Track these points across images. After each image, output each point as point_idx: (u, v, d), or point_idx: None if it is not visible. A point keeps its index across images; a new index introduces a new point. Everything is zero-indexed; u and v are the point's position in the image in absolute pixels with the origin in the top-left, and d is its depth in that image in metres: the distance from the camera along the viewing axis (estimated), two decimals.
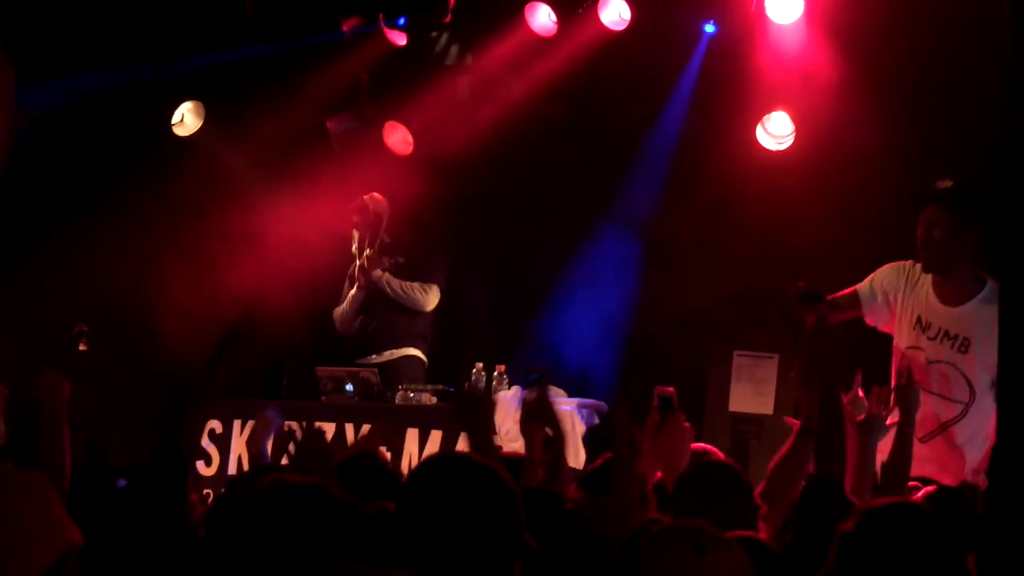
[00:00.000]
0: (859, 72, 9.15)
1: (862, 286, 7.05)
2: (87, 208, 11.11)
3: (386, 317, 9.82)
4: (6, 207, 11.15)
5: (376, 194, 9.99)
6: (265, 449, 6.34)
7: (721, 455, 5.80)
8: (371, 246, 9.89)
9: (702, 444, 5.93)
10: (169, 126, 11.05)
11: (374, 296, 9.83)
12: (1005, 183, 3.69)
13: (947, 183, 6.49)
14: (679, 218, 9.92)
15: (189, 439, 4.38)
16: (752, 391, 9.26)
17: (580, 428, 8.31)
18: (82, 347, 9.55)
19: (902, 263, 6.88)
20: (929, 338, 6.66)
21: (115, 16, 10.78)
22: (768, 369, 9.20)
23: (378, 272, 9.81)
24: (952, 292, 6.67)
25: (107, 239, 10.86)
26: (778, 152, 9.42)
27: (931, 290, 6.74)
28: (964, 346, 6.54)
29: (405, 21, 10.60)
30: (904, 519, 3.77)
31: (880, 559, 3.62)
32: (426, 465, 3.73)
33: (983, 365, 6.45)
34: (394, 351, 9.79)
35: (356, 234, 9.96)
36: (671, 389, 5.78)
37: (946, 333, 6.62)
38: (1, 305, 9.95)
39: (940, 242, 6.58)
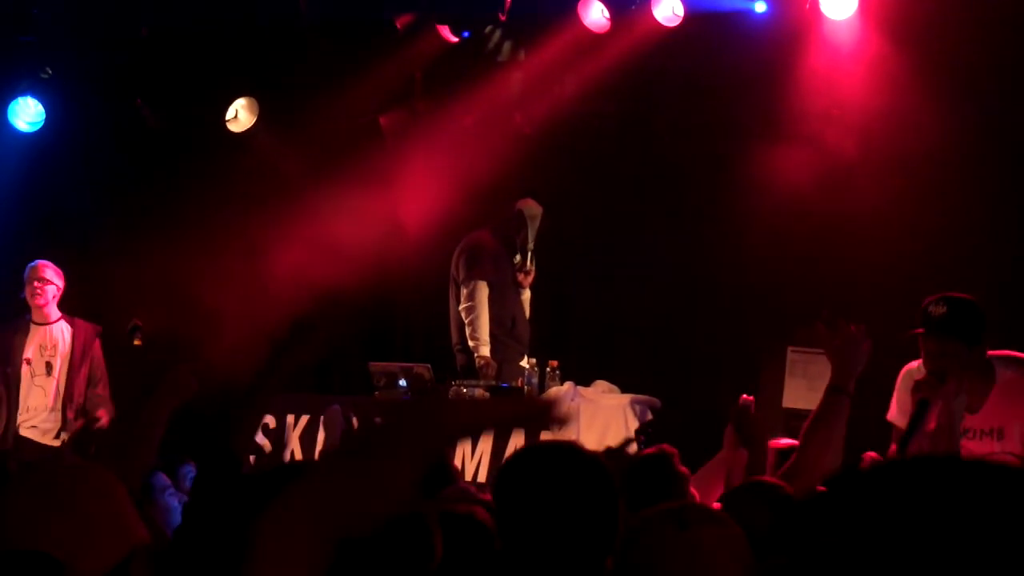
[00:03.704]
0: (915, 68, 9.11)
1: (893, 416, 6.94)
2: (142, 204, 11.20)
3: None
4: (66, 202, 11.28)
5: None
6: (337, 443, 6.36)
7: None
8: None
9: (788, 440, 5.93)
10: (223, 122, 11.09)
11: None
12: None
13: (941, 309, 6.42)
14: (731, 213, 9.90)
15: (245, 440, 4.34)
16: (806, 387, 9.23)
17: (633, 424, 8.31)
18: (136, 342, 9.64)
19: (911, 368, 6.75)
20: (968, 439, 6.61)
21: (169, 13, 10.83)
22: (822, 365, 9.13)
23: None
24: (973, 399, 6.60)
25: (162, 235, 10.94)
26: (840, 147, 9.40)
27: None
28: (1000, 434, 6.52)
29: (469, 35, 10.62)
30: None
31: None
32: (525, 454, 3.67)
33: (1022, 442, 6.41)
34: None
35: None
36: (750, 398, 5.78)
37: (980, 431, 6.58)
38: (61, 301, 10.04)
39: (958, 372, 6.50)
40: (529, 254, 9.86)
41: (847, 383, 4.97)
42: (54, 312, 9.83)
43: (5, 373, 9.67)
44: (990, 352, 6.39)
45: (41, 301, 9.75)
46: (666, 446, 5.25)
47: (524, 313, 9.97)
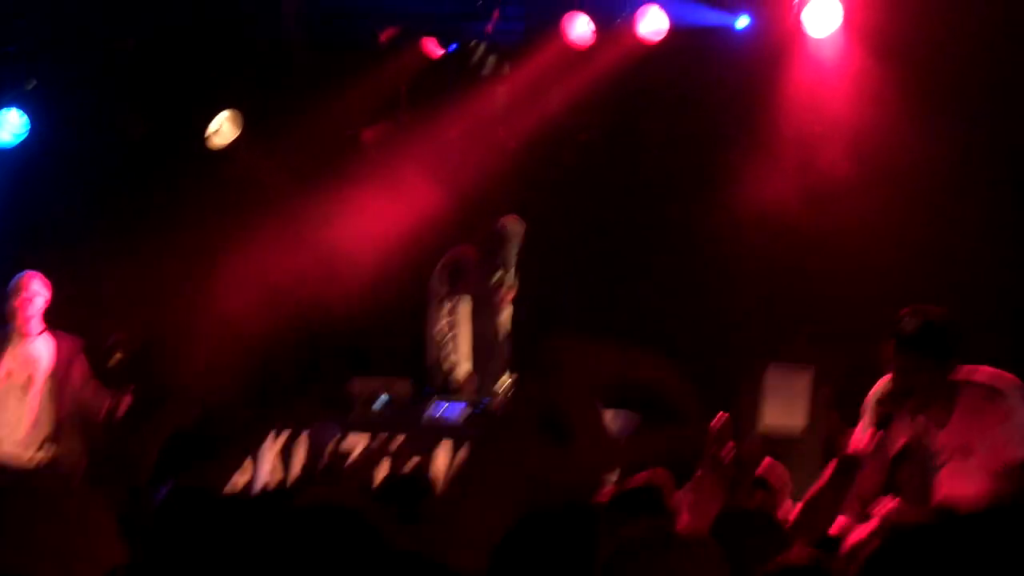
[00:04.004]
0: (899, 83, 9.13)
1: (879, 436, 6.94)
2: (123, 217, 11.18)
3: None
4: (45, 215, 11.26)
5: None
6: (323, 460, 6.34)
7: (781, 468, 5.76)
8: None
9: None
10: (206, 136, 11.08)
11: None
12: None
13: (913, 324, 6.40)
14: (713, 228, 9.91)
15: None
16: (785, 404, 9.24)
17: None
18: (118, 356, 9.60)
19: (878, 387, 6.73)
20: (941, 460, 6.60)
21: (153, 26, 10.83)
22: (801, 382, 9.17)
23: None
24: (938, 416, 6.58)
25: (143, 248, 10.92)
26: (817, 161, 9.41)
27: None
28: (966, 451, 6.50)
29: (456, 47, 10.63)
30: (932, 537, 3.76)
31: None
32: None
33: (988, 461, 6.40)
34: None
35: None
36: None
37: (951, 449, 6.56)
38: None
39: (927, 387, 6.49)
40: (510, 271, 9.87)
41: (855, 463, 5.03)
42: (38, 325, 9.76)
43: None
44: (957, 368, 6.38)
45: (27, 314, 9.67)
46: (658, 476, 5.22)
47: (504, 329, 9.98)
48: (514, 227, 9.96)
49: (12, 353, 9.68)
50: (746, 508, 4.76)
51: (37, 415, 9.64)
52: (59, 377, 9.60)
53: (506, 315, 10.02)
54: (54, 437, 9.59)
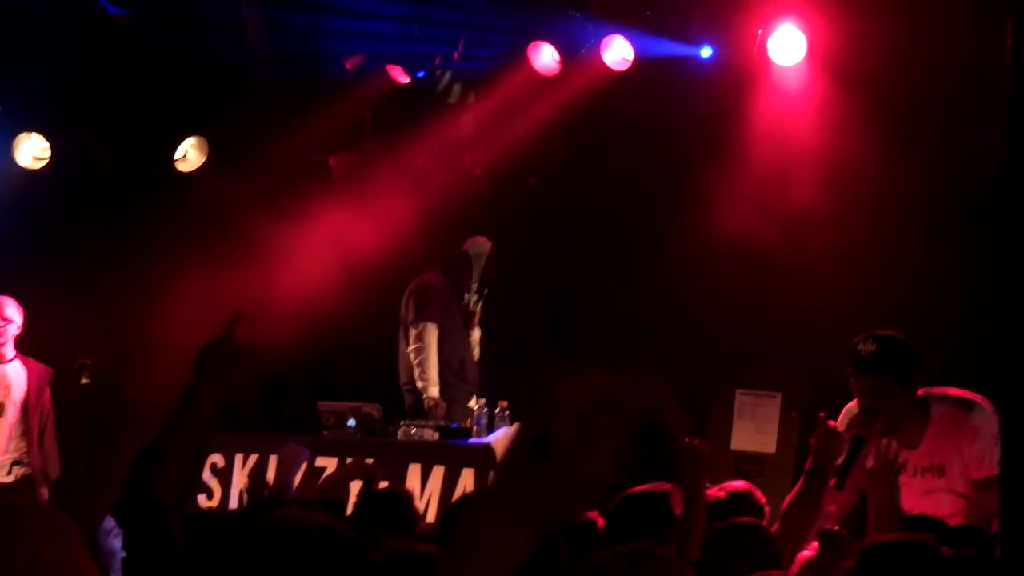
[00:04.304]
0: (863, 112, 9.21)
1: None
2: (90, 243, 11.14)
3: None
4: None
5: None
6: (291, 482, 6.30)
7: (759, 493, 5.77)
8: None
9: (742, 483, 5.94)
10: (172, 162, 11.06)
11: None
12: (1010, 211, 3.72)
13: (870, 347, 6.46)
14: (679, 254, 9.96)
15: (167, 482, 4.24)
16: (753, 429, 9.27)
17: None
18: (84, 380, 9.56)
19: (850, 407, 6.76)
20: (910, 476, 6.63)
21: (119, 52, 10.80)
22: (770, 407, 9.21)
23: None
24: (910, 436, 6.63)
25: (109, 274, 10.88)
26: (782, 189, 9.48)
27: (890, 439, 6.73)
28: (941, 471, 6.54)
29: (424, 75, 10.66)
30: (906, 554, 3.80)
31: None
32: (463, 504, 3.68)
33: (963, 478, 6.45)
34: None
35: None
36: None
37: (922, 468, 6.60)
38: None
39: (892, 409, 6.53)
40: (476, 295, 9.90)
41: (826, 468, 5.08)
42: (10, 351, 9.72)
43: None
44: (927, 389, 6.43)
45: (1, 339, 9.64)
46: (664, 484, 5.25)
47: (472, 354, 10.01)
48: (479, 247, 10.03)
49: None
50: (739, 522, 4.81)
51: (10, 439, 9.59)
52: (33, 402, 9.55)
53: (475, 338, 10.07)
54: (25, 461, 9.55)
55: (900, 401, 6.34)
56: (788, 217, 9.42)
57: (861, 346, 6.26)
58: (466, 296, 9.95)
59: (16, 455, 9.60)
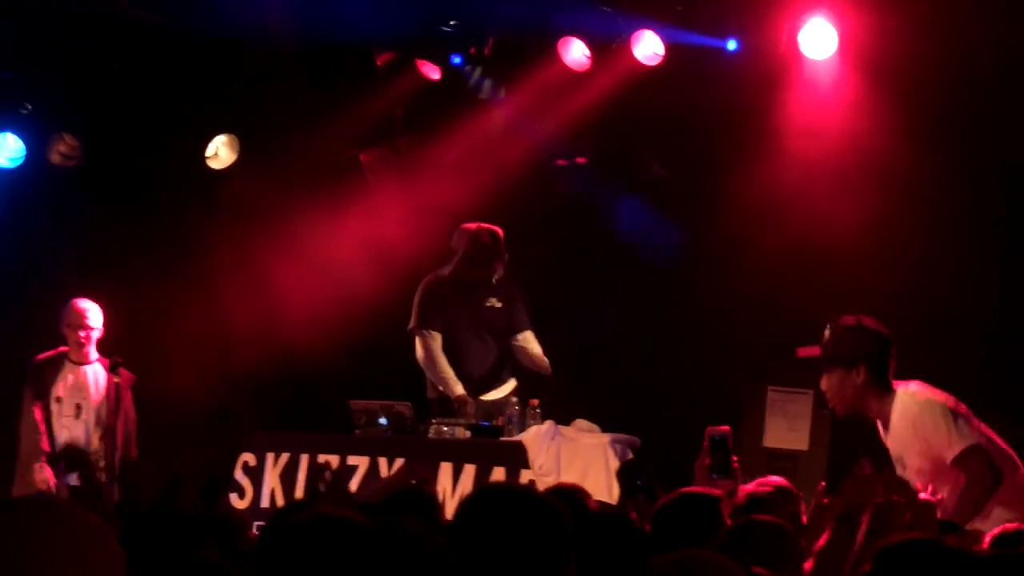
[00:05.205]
0: (896, 109, 9.16)
1: None
2: (122, 242, 11.18)
3: None
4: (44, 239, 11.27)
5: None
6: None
7: (790, 486, 5.79)
8: None
9: (777, 478, 5.95)
10: (203, 159, 11.08)
11: None
12: None
13: (812, 350, 6.61)
14: (711, 251, 9.94)
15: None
16: (786, 427, 9.25)
17: (614, 463, 8.28)
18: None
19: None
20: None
21: (149, 49, 10.82)
22: (802, 404, 9.19)
23: None
24: (881, 419, 6.71)
25: (141, 272, 10.93)
26: (811, 184, 9.44)
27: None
28: (902, 463, 6.61)
29: (462, 61, 10.61)
30: (921, 554, 3.80)
31: None
32: (480, 496, 3.70)
33: (919, 470, 6.50)
34: None
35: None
36: (726, 428, 5.78)
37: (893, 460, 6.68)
38: (41, 338, 10.00)
39: (836, 396, 6.65)
40: (496, 286, 9.48)
41: (856, 516, 5.12)
42: (93, 353, 9.79)
43: (43, 405, 9.61)
44: (900, 381, 6.49)
45: (87, 344, 9.70)
46: (712, 489, 5.26)
47: (476, 349, 9.62)
48: (494, 239, 9.52)
49: (64, 377, 9.70)
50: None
51: (88, 442, 9.66)
52: (112, 406, 9.60)
53: (529, 343, 9.63)
54: (101, 465, 9.61)
55: (844, 390, 6.43)
56: (820, 214, 9.38)
57: (802, 348, 6.43)
58: (484, 290, 9.52)
59: (95, 457, 9.66)
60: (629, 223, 10.52)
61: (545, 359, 9.45)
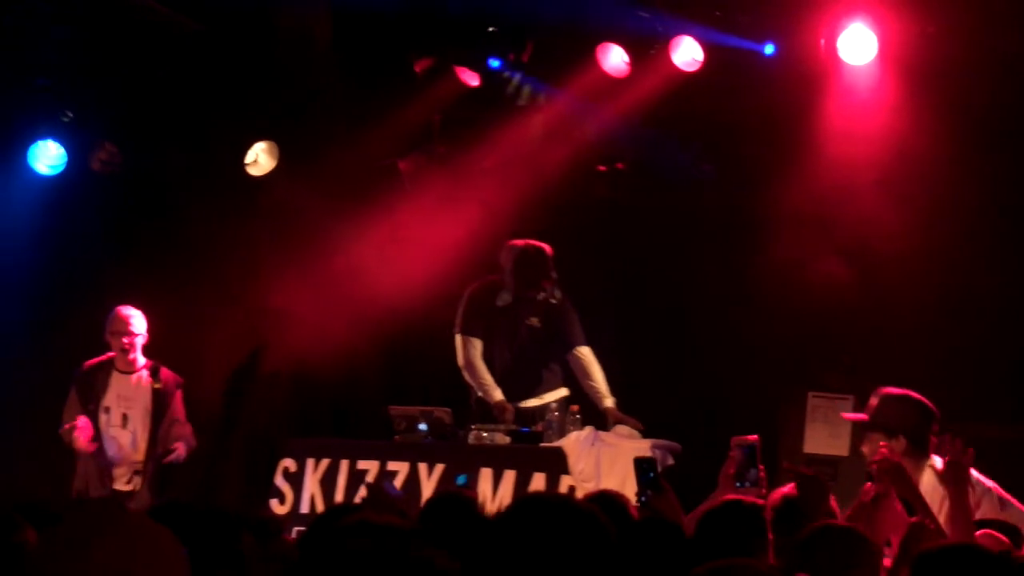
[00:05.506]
0: (937, 114, 9.12)
1: None
2: (161, 247, 11.23)
3: None
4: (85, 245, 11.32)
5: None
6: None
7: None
8: None
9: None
10: (243, 166, 11.12)
11: None
12: None
13: (858, 416, 6.74)
14: (751, 258, 9.91)
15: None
16: (827, 432, 9.22)
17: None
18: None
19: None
20: None
21: (189, 56, 10.88)
22: (843, 411, 9.16)
23: None
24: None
25: (181, 278, 10.97)
26: (853, 189, 9.42)
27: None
28: None
29: (502, 64, 10.59)
30: (960, 559, 3.79)
31: None
32: (521, 504, 3.65)
33: None
34: None
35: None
36: (754, 437, 5.76)
37: None
38: (83, 343, 10.04)
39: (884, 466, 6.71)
40: (539, 292, 9.40)
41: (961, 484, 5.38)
42: (140, 360, 9.82)
43: (89, 411, 9.64)
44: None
45: (133, 351, 9.73)
46: (752, 498, 5.25)
47: (509, 356, 9.61)
48: (541, 256, 9.45)
49: (112, 387, 9.72)
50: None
51: (134, 451, 9.68)
52: (158, 412, 9.63)
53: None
54: (143, 470, 9.63)
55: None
56: (863, 219, 9.35)
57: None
58: (516, 297, 9.44)
59: (139, 466, 9.69)
60: (668, 228, 10.49)
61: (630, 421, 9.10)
